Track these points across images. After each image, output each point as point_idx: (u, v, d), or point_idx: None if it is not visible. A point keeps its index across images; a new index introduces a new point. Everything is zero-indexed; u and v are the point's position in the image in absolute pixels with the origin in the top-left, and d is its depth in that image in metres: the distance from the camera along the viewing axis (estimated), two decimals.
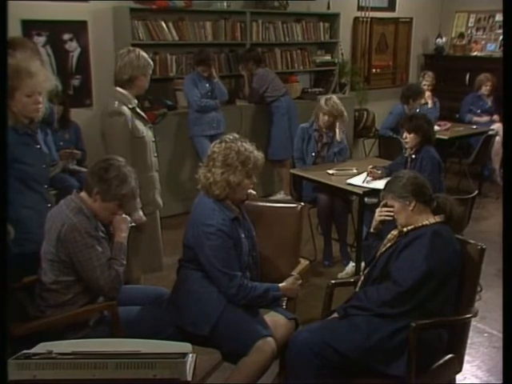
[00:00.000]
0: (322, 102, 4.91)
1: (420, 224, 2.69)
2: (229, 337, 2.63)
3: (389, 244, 2.74)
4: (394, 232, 2.77)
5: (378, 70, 8.43)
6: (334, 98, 4.99)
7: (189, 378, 1.72)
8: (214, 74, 5.83)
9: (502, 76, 1.92)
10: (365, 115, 7.84)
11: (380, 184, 4.27)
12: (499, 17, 8.75)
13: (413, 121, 4.41)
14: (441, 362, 2.58)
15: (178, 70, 6.17)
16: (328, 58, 7.45)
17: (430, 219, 2.69)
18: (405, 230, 2.72)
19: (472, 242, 2.79)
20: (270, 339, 2.60)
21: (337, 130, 4.88)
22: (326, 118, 4.83)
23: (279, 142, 6.33)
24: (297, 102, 6.73)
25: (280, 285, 2.79)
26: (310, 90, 7.21)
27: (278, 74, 6.74)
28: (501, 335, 3.78)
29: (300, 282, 2.88)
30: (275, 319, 2.75)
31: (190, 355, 1.82)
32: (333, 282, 2.94)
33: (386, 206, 2.85)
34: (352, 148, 7.18)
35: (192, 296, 2.74)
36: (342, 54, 7.66)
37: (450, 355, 2.64)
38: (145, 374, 1.74)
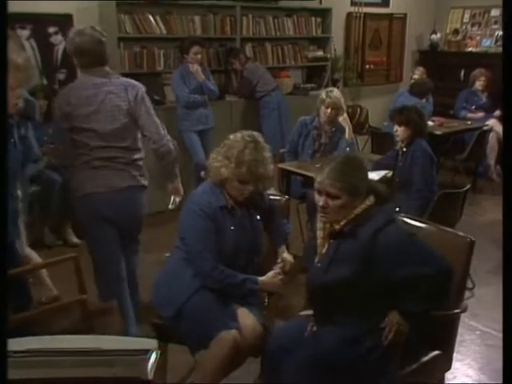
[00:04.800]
0: (324, 94, 4.73)
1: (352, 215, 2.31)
2: (191, 325, 2.54)
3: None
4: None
5: (372, 66, 8.31)
6: (336, 90, 4.83)
7: (150, 377, 1.59)
8: (199, 76, 5.65)
9: (502, 76, 1.87)
10: (358, 111, 7.73)
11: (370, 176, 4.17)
12: (494, 12, 8.69)
13: (403, 113, 4.29)
14: (427, 358, 2.46)
15: (166, 65, 6.05)
16: (320, 53, 7.33)
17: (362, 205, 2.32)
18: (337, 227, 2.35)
19: (461, 234, 2.67)
20: (232, 331, 2.48)
21: (346, 128, 4.71)
22: (329, 110, 4.65)
23: (269, 137, 6.09)
24: (288, 98, 6.62)
25: (260, 278, 2.67)
26: (302, 85, 7.09)
27: (269, 69, 6.64)
28: (494, 333, 3.67)
29: (281, 276, 2.75)
30: (244, 320, 2.60)
31: (154, 352, 1.69)
32: None
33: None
34: None
35: (168, 275, 2.73)
36: (335, 50, 7.55)
37: (436, 352, 2.52)
38: (104, 372, 1.61)
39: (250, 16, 6.55)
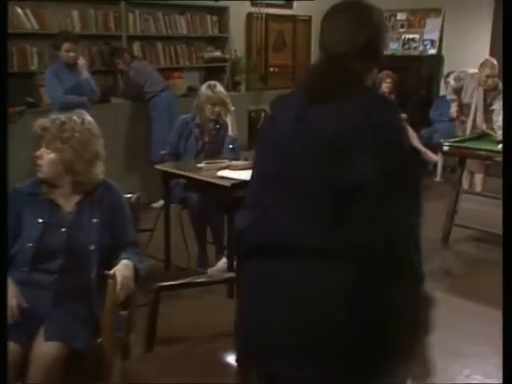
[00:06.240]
0: (207, 90, 4.28)
1: None
2: None
3: None
4: None
5: (276, 69, 7.95)
6: (218, 84, 4.43)
7: None
8: (84, 72, 5.10)
9: (503, 76, 1.82)
10: (262, 116, 7.34)
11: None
12: (400, 16, 8.68)
13: None
14: None
15: (40, 64, 5.46)
16: (218, 53, 6.93)
17: None
18: None
19: None
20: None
21: (229, 124, 4.29)
22: (217, 108, 4.24)
23: (160, 141, 5.69)
24: (182, 100, 6.13)
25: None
26: (198, 87, 6.63)
27: (161, 70, 6.19)
28: None
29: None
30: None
31: None
32: (160, 285, 2.31)
33: None
34: (248, 150, 6.65)
35: None
36: (235, 51, 7.16)
37: None
38: None
39: (137, 12, 6.07)
